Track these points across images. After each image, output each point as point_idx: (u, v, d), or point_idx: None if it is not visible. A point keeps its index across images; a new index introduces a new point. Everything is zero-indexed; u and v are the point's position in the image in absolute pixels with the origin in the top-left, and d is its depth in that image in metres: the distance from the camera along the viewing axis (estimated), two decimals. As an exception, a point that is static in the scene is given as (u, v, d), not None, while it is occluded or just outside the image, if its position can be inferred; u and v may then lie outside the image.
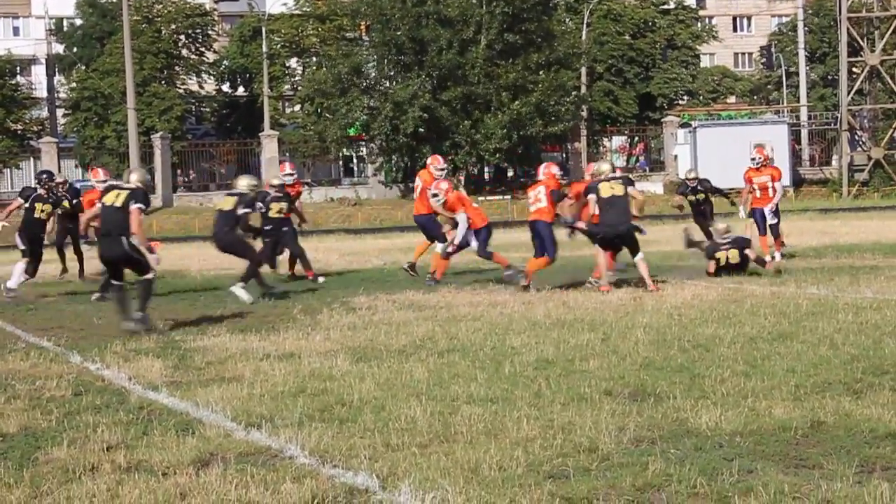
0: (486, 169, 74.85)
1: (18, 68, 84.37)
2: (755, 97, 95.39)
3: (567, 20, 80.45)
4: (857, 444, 7.71)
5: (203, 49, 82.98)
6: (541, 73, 68.32)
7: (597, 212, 18.24)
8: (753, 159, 23.64)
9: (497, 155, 69.00)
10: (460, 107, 67.90)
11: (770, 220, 23.08)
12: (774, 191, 23.17)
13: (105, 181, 20.83)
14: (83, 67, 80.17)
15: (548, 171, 19.59)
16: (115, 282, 15.51)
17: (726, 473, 7.02)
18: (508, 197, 66.63)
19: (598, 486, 6.86)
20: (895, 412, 8.41)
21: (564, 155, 78.64)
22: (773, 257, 22.22)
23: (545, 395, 9.66)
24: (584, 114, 77.80)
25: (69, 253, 23.42)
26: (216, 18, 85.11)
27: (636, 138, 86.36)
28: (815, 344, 11.79)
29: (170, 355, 12.85)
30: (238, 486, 7.07)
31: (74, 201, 22.51)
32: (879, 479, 6.79)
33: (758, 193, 23.24)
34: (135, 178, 15.60)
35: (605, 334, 13.19)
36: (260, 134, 75.34)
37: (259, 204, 20.37)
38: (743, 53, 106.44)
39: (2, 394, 10.60)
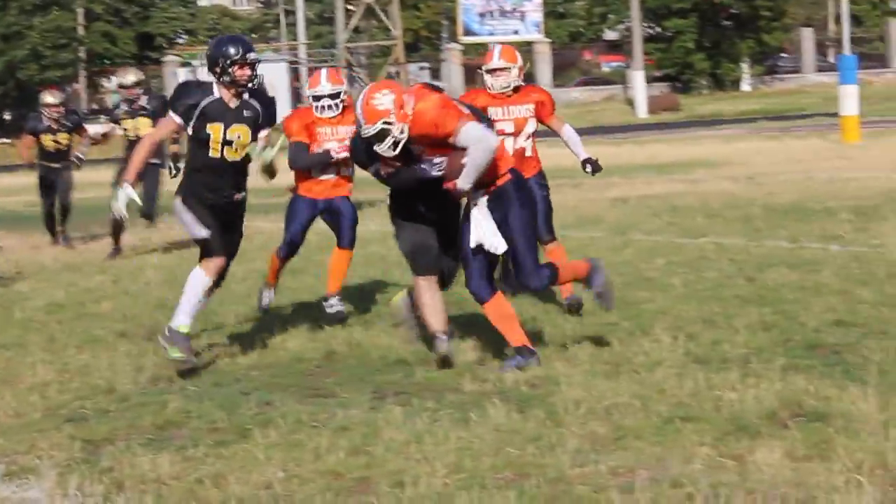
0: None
1: None
2: (255, 35, 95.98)
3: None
4: (370, 372, 8.02)
5: None
6: (36, 16, 66.14)
7: None
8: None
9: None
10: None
11: None
12: None
13: None
14: None
15: None
16: None
17: (245, 407, 7.15)
18: (8, 141, 64.62)
19: (118, 427, 6.86)
20: (401, 340, 8.77)
21: (64, 96, 76.61)
22: None
23: (59, 339, 9.55)
24: (83, 55, 76.08)
25: None
26: None
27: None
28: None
29: None
30: None
31: None
32: (392, 403, 7.07)
33: None
34: None
35: (115, 276, 13.10)
36: None
37: None
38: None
39: None
